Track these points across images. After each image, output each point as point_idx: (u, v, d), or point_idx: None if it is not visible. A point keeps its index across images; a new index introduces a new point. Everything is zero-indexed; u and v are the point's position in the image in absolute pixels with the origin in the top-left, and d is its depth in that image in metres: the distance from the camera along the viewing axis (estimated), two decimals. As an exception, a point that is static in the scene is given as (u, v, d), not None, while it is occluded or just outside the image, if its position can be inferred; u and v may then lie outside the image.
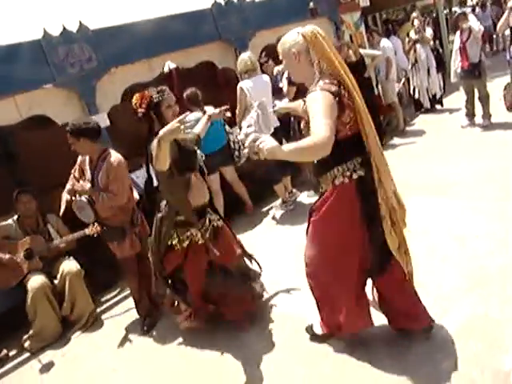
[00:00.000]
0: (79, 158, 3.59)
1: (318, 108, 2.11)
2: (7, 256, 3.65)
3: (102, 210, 3.35)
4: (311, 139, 2.04)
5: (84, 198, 3.32)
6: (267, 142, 2.05)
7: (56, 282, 3.77)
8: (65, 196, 3.43)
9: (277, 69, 5.44)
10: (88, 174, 3.42)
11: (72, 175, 3.53)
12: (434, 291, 2.97)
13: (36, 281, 3.64)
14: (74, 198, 3.37)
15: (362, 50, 6.23)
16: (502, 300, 2.71)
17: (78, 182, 3.43)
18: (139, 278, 3.53)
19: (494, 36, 11.40)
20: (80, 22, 4.11)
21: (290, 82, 4.94)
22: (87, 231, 3.45)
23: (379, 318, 2.82)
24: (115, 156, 3.40)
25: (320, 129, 2.04)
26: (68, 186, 3.46)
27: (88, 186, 3.32)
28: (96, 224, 3.39)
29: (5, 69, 3.72)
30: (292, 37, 2.29)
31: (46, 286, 3.66)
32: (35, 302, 3.60)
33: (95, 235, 3.44)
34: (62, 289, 3.73)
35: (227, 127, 5.05)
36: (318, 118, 2.09)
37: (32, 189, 3.99)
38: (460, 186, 4.48)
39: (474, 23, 5.93)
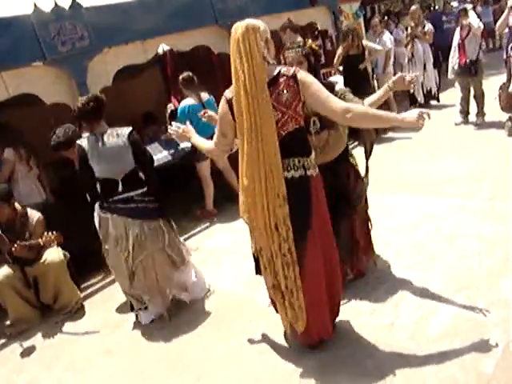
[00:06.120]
0: None
1: None
2: None
3: None
4: None
5: None
6: None
7: (36, 265, 3.64)
8: None
9: None
10: None
11: None
12: (421, 291, 2.97)
13: (0, 273, 3.55)
14: None
15: (364, 42, 6.15)
16: (489, 302, 2.71)
17: None
18: None
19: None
20: (72, -1, 3.99)
21: None
22: (41, 241, 3.46)
23: (365, 315, 2.83)
24: None
25: None
26: None
27: None
28: (51, 234, 3.45)
29: (-8, 44, 3.61)
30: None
31: (11, 278, 3.55)
32: (1, 296, 3.54)
33: (51, 244, 3.51)
34: (44, 276, 3.65)
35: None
36: None
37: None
38: (450, 183, 4.49)
39: (473, 20, 5.89)
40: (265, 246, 2.40)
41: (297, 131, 2.35)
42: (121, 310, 3.64)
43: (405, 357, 2.46)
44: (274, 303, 2.67)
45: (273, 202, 2.30)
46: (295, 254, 2.37)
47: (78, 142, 3.20)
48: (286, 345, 2.75)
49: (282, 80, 2.28)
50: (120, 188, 3.16)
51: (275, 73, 2.30)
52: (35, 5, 3.79)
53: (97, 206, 3.23)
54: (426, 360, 2.41)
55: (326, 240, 2.53)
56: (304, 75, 2.32)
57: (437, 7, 11.14)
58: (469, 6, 6.47)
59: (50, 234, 3.50)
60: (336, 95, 2.84)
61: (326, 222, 2.53)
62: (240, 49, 2.20)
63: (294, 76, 2.29)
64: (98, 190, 3.20)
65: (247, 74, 2.19)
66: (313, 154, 2.46)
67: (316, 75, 2.92)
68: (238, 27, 2.24)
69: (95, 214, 3.25)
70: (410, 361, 2.43)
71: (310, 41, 3.05)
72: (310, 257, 2.42)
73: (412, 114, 2.26)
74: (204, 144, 2.75)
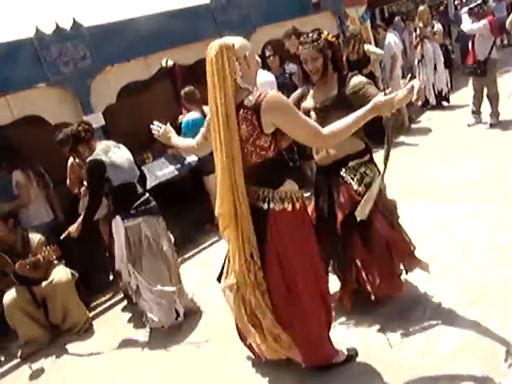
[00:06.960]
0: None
1: None
2: None
3: None
4: None
5: None
6: None
7: (43, 285, 3.65)
8: None
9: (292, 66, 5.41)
10: None
11: None
12: (432, 305, 2.86)
13: (8, 296, 3.57)
14: None
15: (366, 46, 6.05)
16: (504, 317, 2.59)
17: None
18: None
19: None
20: (74, 19, 4.01)
21: None
22: (40, 257, 3.45)
23: (373, 333, 2.73)
24: None
25: None
26: None
27: None
28: (48, 248, 3.45)
29: (-4, 67, 3.65)
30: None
31: (19, 299, 3.57)
32: (11, 318, 3.56)
33: (51, 259, 3.51)
34: (51, 296, 3.65)
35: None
36: None
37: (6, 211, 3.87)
38: (462, 188, 4.33)
39: (465, 26, 5.79)
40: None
41: (263, 163, 2.18)
42: (128, 329, 3.62)
43: (415, 377, 2.36)
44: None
45: (247, 231, 2.20)
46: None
47: (93, 157, 3.23)
48: (291, 366, 2.66)
49: (241, 112, 2.10)
50: (139, 190, 3.35)
51: (239, 101, 2.11)
52: (37, 28, 3.83)
53: (118, 219, 3.24)
54: (437, 381, 2.30)
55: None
56: (271, 103, 2.06)
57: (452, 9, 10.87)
58: (464, 9, 6.20)
59: (47, 247, 3.50)
60: (351, 89, 2.64)
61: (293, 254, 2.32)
62: (213, 70, 2.09)
63: (258, 105, 2.07)
64: (116, 201, 3.31)
65: (219, 96, 2.07)
66: (285, 185, 2.25)
67: (337, 70, 2.73)
68: (212, 47, 2.11)
69: (119, 228, 3.23)
70: (420, 382, 2.33)
71: (325, 32, 2.71)
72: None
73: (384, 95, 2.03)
74: (183, 142, 2.78)
